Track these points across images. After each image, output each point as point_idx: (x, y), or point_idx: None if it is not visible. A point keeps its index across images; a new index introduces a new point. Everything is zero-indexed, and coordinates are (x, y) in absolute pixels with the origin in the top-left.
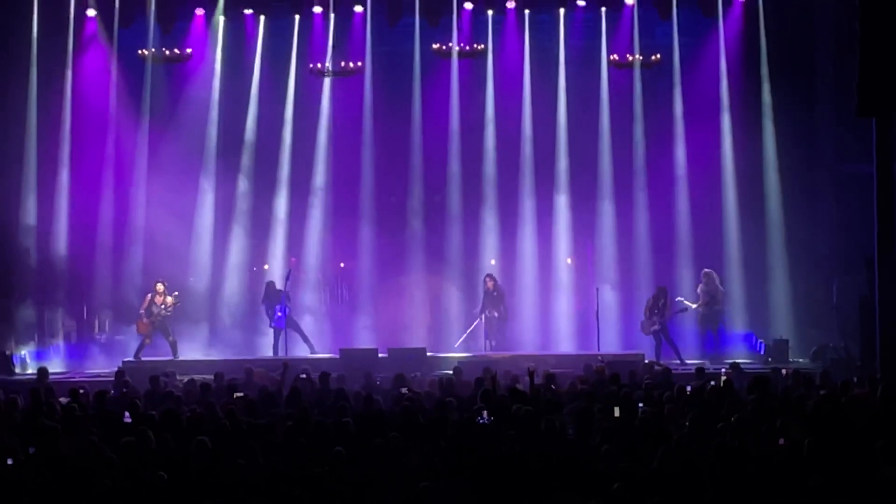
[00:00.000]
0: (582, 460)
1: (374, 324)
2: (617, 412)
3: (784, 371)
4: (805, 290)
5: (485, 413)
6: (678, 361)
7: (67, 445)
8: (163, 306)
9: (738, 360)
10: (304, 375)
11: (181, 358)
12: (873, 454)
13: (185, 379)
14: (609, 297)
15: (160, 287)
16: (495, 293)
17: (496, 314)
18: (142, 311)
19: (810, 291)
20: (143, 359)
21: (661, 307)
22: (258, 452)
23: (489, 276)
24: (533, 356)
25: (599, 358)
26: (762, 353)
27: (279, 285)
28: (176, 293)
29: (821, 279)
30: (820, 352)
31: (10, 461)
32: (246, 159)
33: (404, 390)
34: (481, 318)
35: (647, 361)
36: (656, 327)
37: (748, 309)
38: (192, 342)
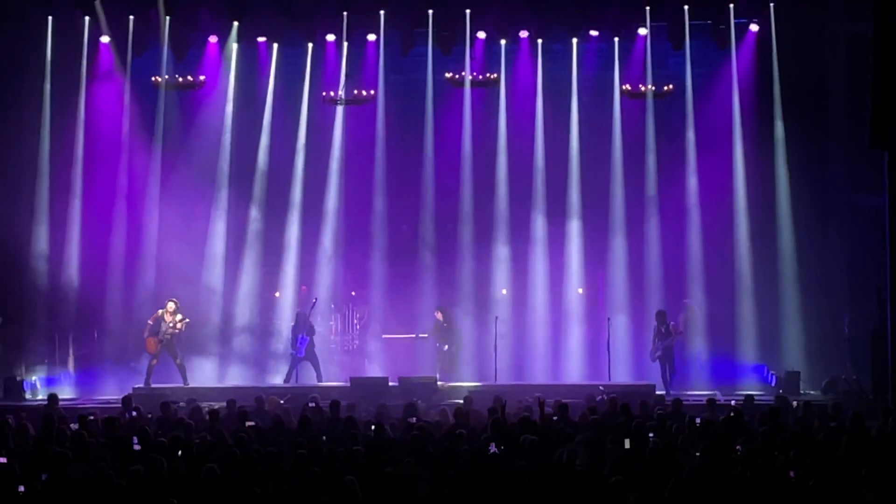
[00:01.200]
0: (592, 491)
1: (385, 352)
2: (627, 444)
3: (795, 403)
4: (817, 322)
5: (493, 444)
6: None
7: (78, 472)
8: (171, 324)
9: (751, 392)
10: (312, 404)
11: (193, 385)
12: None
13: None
14: (620, 328)
15: (171, 306)
16: (445, 325)
17: (445, 347)
18: (149, 323)
19: (822, 323)
20: (153, 385)
21: (664, 333)
22: (269, 480)
23: (439, 308)
24: (544, 386)
25: (601, 388)
26: (773, 384)
27: (306, 314)
28: (186, 319)
29: (832, 311)
30: (832, 384)
31: (21, 488)
32: (258, 187)
33: (412, 420)
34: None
35: (658, 392)
36: (659, 353)
37: (760, 340)
38: (204, 369)
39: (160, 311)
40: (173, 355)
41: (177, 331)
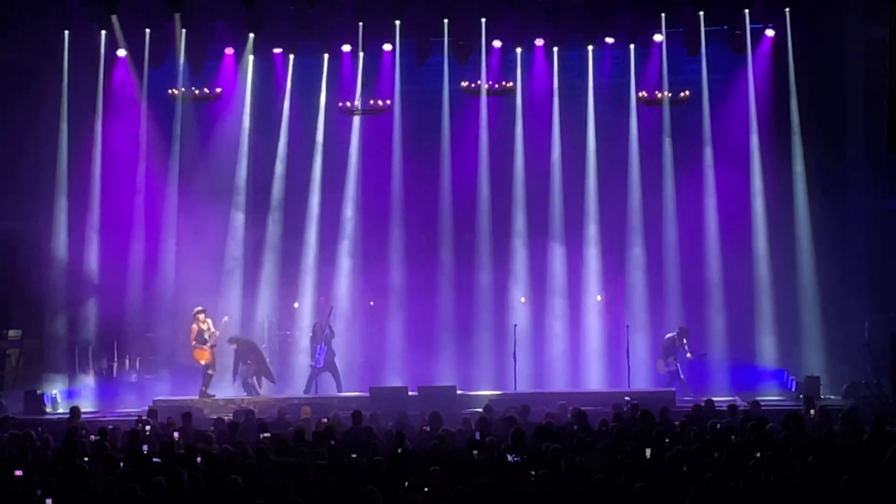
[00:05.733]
0: (612, 499)
1: (404, 362)
2: (648, 453)
3: (812, 411)
4: (837, 328)
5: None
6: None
7: (100, 485)
8: (208, 330)
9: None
10: (325, 420)
11: (215, 396)
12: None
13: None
14: (640, 334)
15: (202, 314)
16: (244, 348)
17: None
18: (193, 342)
19: (842, 328)
20: (171, 397)
21: (678, 348)
22: (291, 491)
23: (231, 339)
24: (564, 394)
25: (627, 398)
26: (793, 390)
27: (322, 324)
28: (225, 317)
29: (852, 316)
30: (852, 389)
31: (49, 502)
32: (275, 198)
33: (427, 428)
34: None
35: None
36: (673, 368)
37: (780, 346)
38: (223, 380)
39: (194, 325)
40: (212, 366)
41: (217, 335)
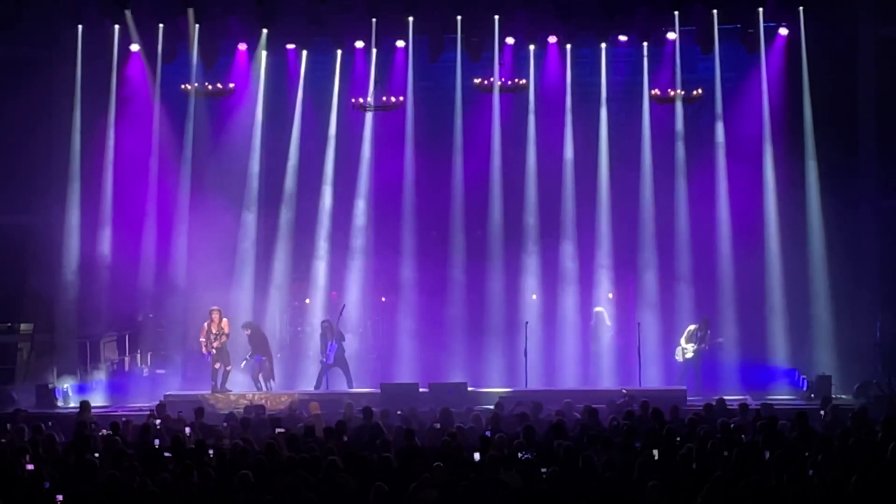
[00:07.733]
0: (624, 497)
1: (415, 358)
2: (656, 455)
3: (822, 412)
4: (848, 327)
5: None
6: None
7: (110, 479)
8: (216, 333)
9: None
10: (341, 411)
11: (231, 391)
12: None
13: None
14: (651, 332)
15: (215, 315)
16: (257, 338)
17: (264, 357)
18: (201, 340)
19: (853, 328)
20: (182, 392)
21: (700, 338)
22: (300, 486)
23: (245, 324)
24: (575, 391)
25: (623, 391)
26: (805, 389)
27: (333, 321)
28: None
29: (864, 315)
30: (863, 388)
31: (59, 497)
32: (287, 193)
33: (437, 425)
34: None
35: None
36: (690, 356)
37: (791, 345)
38: (236, 376)
39: (206, 323)
40: (225, 362)
41: (225, 338)
